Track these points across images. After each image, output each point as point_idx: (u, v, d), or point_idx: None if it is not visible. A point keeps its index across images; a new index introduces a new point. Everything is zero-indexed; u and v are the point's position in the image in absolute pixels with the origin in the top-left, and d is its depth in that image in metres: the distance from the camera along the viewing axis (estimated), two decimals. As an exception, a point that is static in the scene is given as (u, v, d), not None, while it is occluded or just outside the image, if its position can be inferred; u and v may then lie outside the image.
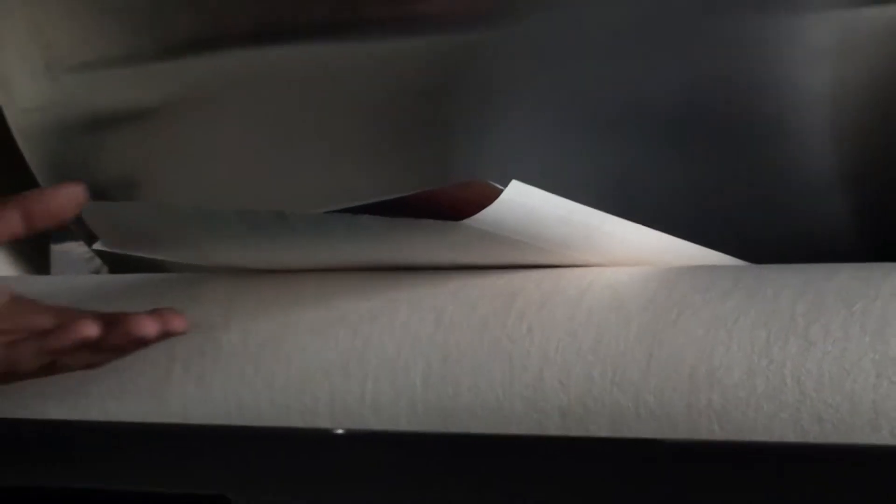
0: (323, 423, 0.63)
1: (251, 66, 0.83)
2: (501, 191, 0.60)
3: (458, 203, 0.61)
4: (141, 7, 0.86)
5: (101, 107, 0.89)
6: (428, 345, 0.64)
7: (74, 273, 1.14)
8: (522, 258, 0.67)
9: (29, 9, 0.89)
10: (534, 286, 0.65)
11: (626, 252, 0.67)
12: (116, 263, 0.94)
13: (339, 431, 0.56)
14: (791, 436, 0.56)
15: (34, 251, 1.10)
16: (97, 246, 0.70)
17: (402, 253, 0.68)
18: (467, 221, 0.59)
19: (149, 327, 0.65)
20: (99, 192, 0.74)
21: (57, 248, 1.09)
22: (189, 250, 0.69)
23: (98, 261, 1.08)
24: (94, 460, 0.58)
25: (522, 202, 0.60)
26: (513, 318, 0.63)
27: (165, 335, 0.66)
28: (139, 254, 0.72)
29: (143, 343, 0.66)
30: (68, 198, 0.69)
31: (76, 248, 1.08)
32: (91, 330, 0.65)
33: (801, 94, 0.72)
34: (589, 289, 0.64)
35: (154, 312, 0.66)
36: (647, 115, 0.74)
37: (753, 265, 0.68)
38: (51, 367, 0.66)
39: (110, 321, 0.66)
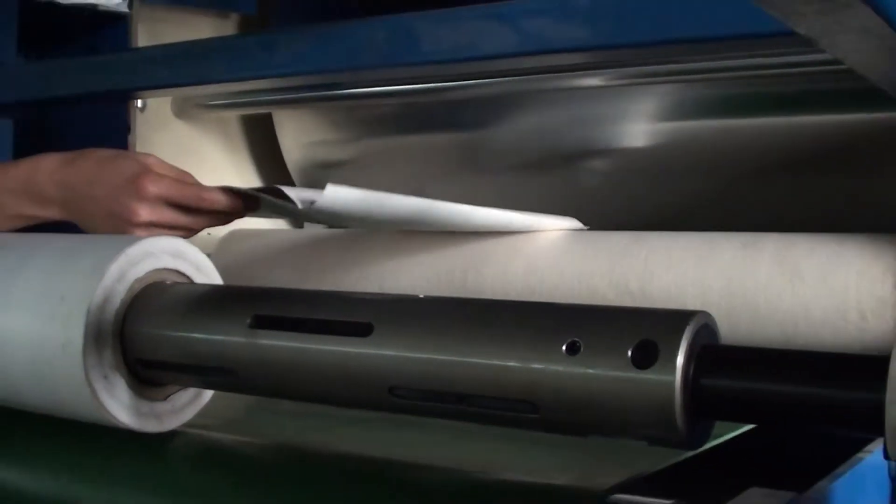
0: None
1: (400, 144, 1.25)
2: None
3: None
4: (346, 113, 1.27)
5: (330, 158, 1.35)
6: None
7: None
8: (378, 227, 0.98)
9: (294, 121, 1.33)
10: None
11: (436, 219, 0.94)
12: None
13: (421, 296, 0.76)
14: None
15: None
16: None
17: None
18: (306, 209, 0.84)
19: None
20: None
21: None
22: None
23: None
24: (307, 305, 0.73)
25: (336, 196, 0.82)
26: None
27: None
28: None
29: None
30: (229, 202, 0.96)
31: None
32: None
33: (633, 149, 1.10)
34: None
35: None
36: (563, 153, 1.15)
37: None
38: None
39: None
